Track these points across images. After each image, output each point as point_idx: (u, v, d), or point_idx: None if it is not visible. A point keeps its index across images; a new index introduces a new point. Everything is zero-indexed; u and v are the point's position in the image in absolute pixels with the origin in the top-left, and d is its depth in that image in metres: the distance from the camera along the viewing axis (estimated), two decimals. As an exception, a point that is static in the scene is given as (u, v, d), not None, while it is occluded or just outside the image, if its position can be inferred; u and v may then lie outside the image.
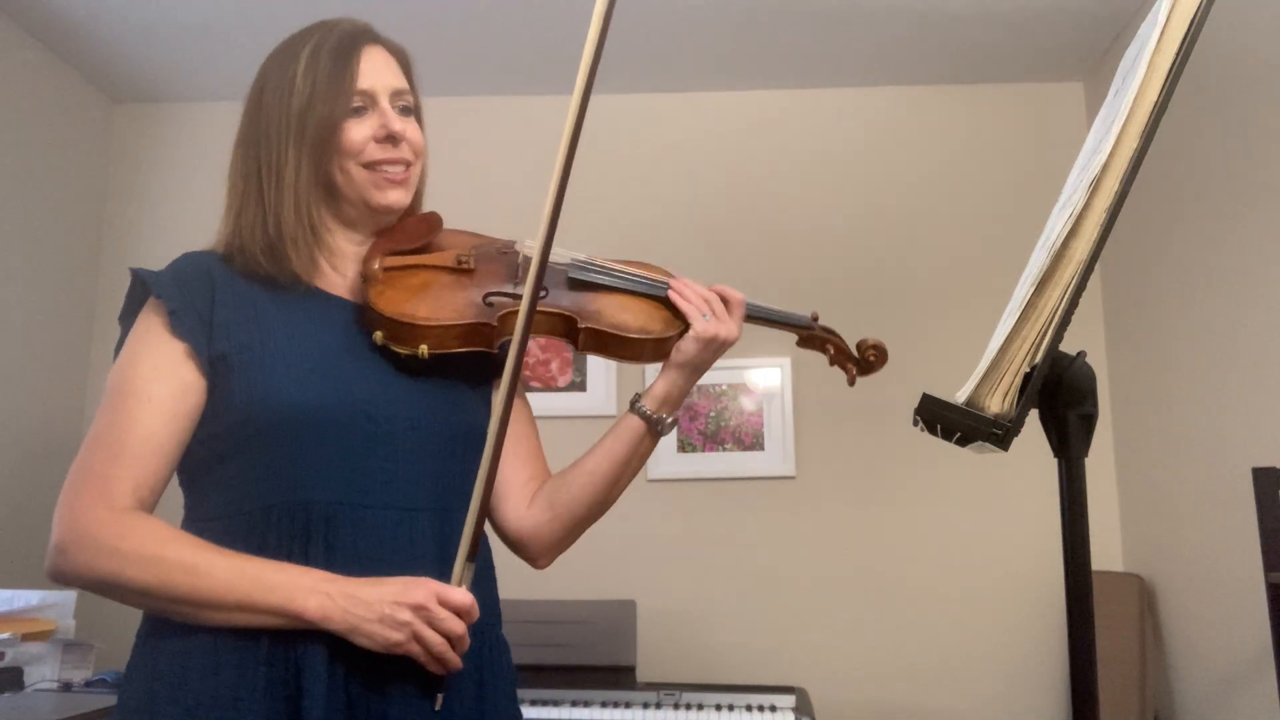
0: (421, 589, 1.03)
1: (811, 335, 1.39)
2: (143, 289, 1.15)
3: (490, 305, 1.20)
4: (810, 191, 3.28)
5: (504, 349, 1.16)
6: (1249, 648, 2.33)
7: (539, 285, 1.07)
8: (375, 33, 1.23)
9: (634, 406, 1.27)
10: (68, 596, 2.43)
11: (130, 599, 1.05)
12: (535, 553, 1.29)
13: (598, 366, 3.20)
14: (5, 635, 2.23)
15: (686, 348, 1.24)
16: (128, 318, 1.17)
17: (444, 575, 1.08)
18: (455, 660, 1.05)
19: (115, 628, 2.41)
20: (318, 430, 1.09)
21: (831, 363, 1.41)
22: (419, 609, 1.02)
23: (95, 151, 3.37)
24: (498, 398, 1.07)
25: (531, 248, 1.11)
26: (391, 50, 1.23)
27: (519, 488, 1.29)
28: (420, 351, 1.15)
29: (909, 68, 3.25)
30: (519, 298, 1.17)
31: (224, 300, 1.14)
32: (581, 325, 1.23)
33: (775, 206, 3.31)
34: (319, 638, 1.04)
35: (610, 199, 3.27)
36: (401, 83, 1.21)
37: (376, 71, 1.19)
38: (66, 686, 2.33)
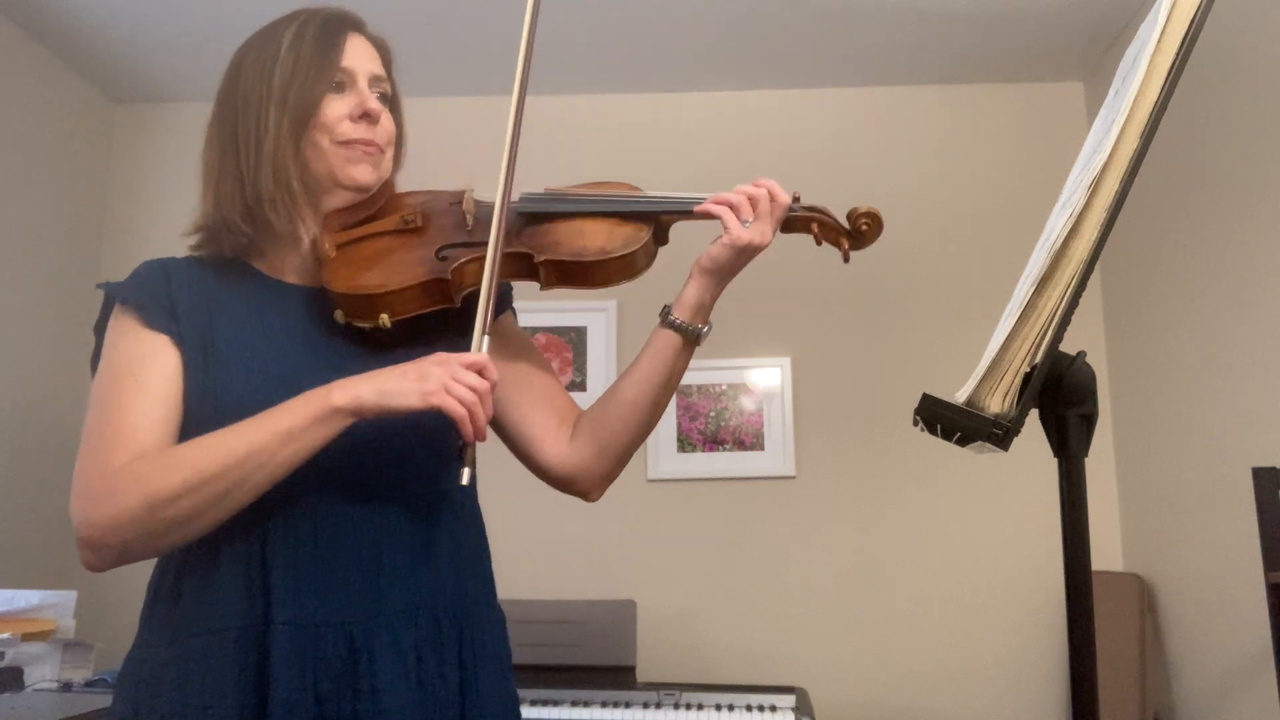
0: (435, 355, 1.05)
1: (793, 218, 1.24)
2: (109, 300, 1.16)
3: (444, 259, 1.16)
4: (810, 192, 3.26)
5: (468, 302, 1.15)
6: (1249, 648, 2.33)
7: (503, 219, 1.07)
8: (360, 21, 1.23)
9: (666, 319, 1.21)
10: (68, 596, 2.43)
11: (176, 519, 1.01)
12: (586, 488, 1.27)
13: (598, 366, 3.19)
14: (5, 635, 2.23)
15: (719, 254, 1.18)
16: (101, 329, 1.17)
17: (426, 558, 1.11)
18: (483, 421, 1.03)
19: (115, 628, 2.42)
20: None
21: (819, 242, 1.27)
22: (440, 363, 1.03)
23: (95, 151, 3.37)
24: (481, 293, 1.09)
25: (484, 192, 1.11)
26: (373, 41, 1.24)
27: (553, 430, 1.26)
28: (382, 322, 1.12)
29: (909, 68, 3.25)
30: (471, 245, 1.16)
31: (181, 299, 1.14)
32: (539, 259, 1.17)
33: (775, 206, 3.30)
34: (286, 644, 1.03)
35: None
36: (380, 71, 1.22)
37: (358, 55, 1.19)
38: (66, 686, 2.33)
